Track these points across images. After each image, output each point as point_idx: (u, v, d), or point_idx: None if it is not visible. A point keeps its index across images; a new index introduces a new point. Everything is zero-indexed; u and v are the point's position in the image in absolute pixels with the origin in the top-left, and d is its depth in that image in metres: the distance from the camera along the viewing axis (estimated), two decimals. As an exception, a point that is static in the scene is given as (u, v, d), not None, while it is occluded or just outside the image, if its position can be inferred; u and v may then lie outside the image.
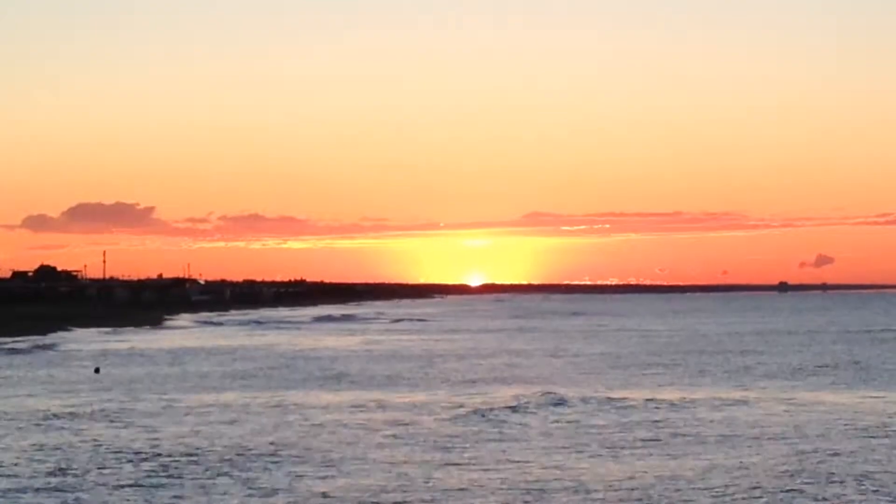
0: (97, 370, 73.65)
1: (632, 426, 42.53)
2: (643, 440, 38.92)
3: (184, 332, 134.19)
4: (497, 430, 41.64)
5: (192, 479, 32.30)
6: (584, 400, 51.37)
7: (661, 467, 33.27)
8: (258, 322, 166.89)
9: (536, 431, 41.58)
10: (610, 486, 30.59)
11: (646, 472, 32.51)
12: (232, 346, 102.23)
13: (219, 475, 32.67)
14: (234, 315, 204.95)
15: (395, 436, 40.32)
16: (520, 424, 43.48)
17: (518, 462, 34.51)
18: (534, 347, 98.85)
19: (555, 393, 54.02)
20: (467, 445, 37.95)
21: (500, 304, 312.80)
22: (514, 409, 48.21)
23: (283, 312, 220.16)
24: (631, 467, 33.30)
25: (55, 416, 47.37)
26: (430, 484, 31.11)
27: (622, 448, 37.19)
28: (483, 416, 46.00)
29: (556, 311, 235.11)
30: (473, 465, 34.09)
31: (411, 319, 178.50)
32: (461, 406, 49.59)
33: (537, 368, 73.77)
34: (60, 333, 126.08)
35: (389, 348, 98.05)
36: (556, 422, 44.30)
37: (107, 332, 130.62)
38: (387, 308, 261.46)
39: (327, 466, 34.01)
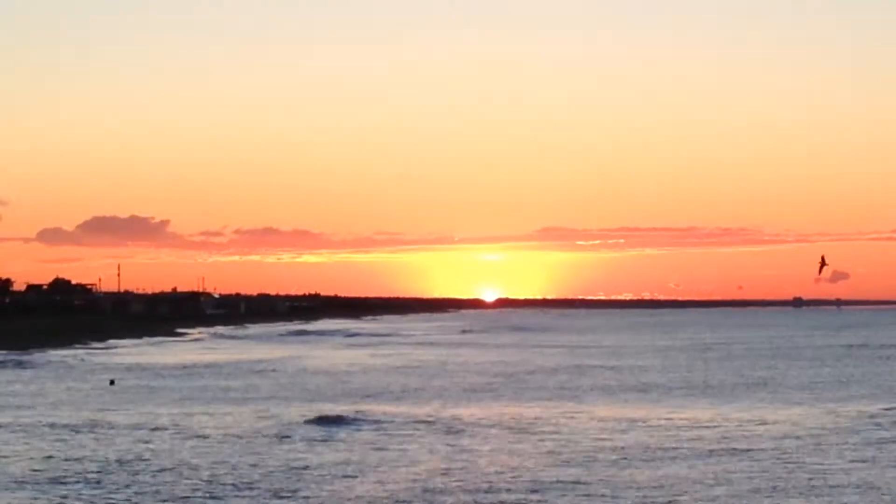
0: (112, 382, 73.83)
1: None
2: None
3: (196, 346, 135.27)
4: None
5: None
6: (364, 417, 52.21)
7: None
8: (258, 337, 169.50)
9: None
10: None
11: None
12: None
13: None
14: (252, 329, 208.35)
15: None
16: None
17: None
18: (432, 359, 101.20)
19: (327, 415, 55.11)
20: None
21: (481, 319, 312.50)
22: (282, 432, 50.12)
23: (268, 328, 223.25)
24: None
25: (72, 427, 47.46)
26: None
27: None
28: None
29: (516, 325, 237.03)
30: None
31: (375, 335, 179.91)
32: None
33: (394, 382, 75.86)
34: (75, 346, 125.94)
35: (289, 364, 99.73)
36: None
37: (122, 345, 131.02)
38: (386, 323, 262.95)
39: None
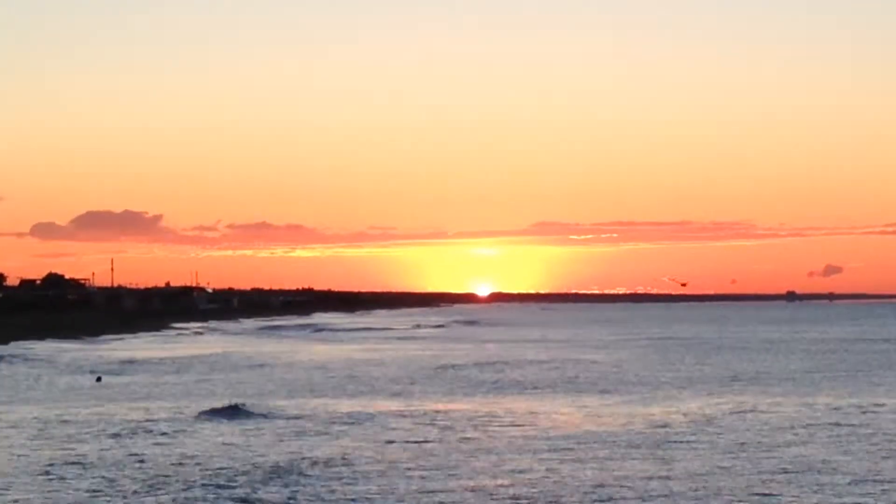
0: (99, 379, 74.26)
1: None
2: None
3: (189, 340, 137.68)
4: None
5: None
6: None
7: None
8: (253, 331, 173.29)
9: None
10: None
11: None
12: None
13: None
14: (245, 323, 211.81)
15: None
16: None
17: None
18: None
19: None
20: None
21: (457, 313, 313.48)
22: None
23: (254, 323, 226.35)
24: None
25: (51, 424, 48.56)
26: None
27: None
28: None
29: (482, 319, 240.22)
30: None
31: (343, 329, 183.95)
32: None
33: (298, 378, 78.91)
34: (67, 342, 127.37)
35: (223, 360, 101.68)
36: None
37: (113, 341, 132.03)
38: (372, 318, 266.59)
39: None
